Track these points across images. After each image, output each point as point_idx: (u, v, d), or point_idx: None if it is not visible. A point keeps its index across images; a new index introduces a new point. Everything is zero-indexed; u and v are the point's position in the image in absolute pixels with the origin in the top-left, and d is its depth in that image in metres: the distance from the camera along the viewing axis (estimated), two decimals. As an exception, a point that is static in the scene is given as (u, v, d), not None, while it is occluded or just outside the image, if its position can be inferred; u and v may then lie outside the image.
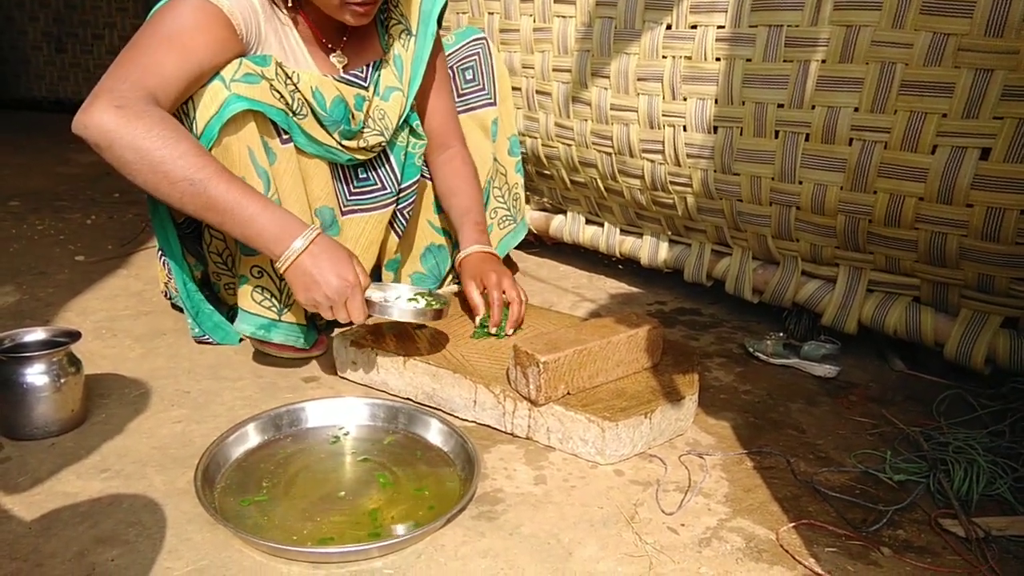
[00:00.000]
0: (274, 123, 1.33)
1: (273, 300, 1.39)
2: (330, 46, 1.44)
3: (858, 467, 1.20)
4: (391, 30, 1.51)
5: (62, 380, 1.19)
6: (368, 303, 1.26)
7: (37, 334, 1.27)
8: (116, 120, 1.14)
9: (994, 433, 1.27)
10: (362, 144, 1.45)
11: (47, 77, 4.80)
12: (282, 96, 1.31)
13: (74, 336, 1.25)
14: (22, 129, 4.27)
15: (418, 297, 1.37)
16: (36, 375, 1.17)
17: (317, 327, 1.55)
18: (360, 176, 1.51)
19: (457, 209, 1.60)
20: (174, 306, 1.68)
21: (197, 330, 1.52)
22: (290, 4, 1.35)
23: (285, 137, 1.35)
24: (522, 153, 2.05)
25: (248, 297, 1.38)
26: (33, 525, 0.99)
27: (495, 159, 1.79)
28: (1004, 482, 1.13)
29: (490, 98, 1.75)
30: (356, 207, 1.51)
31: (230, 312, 1.60)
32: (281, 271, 1.23)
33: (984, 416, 1.35)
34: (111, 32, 4.61)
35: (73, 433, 1.21)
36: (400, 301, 1.34)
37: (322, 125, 1.39)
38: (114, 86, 1.17)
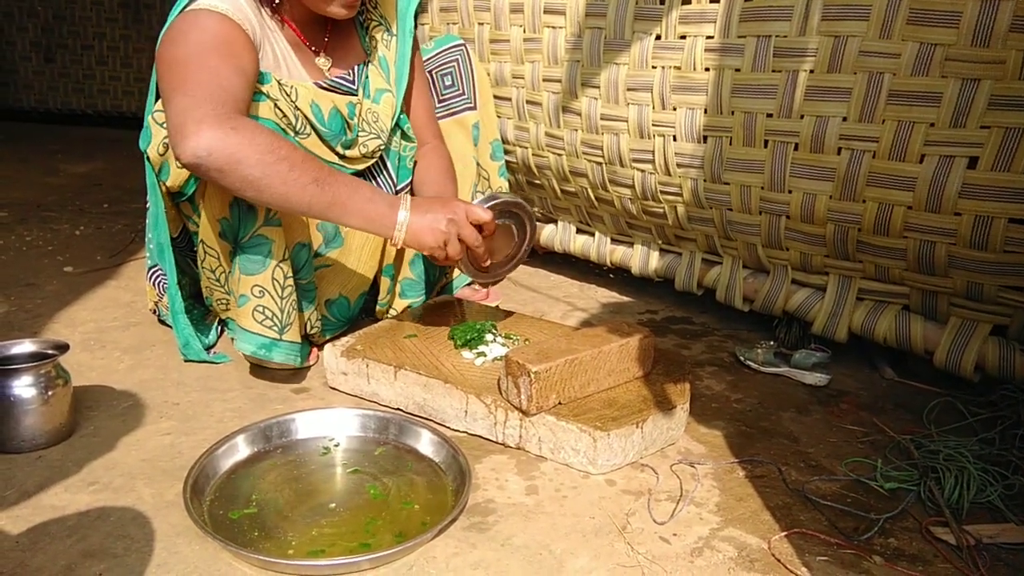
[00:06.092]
0: None
1: (275, 319, 1.36)
2: (313, 48, 1.44)
3: (849, 475, 1.20)
4: (372, 32, 1.51)
5: (50, 392, 1.18)
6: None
7: (25, 346, 1.26)
8: (237, 141, 1.13)
9: (984, 440, 1.28)
10: (362, 151, 1.45)
11: (35, 87, 4.78)
12: (284, 115, 1.31)
13: (62, 348, 1.24)
14: (9, 140, 4.25)
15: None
16: (24, 387, 1.17)
17: (311, 341, 1.54)
18: None
19: (427, 194, 1.59)
20: (162, 322, 1.67)
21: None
22: (276, 3, 1.35)
23: None
24: (512, 163, 2.05)
25: (249, 316, 1.35)
26: (20, 539, 0.98)
27: (478, 163, 1.79)
28: (994, 489, 1.14)
29: (470, 102, 1.76)
30: None
31: (218, 324, 1.62)
32: (399, 244, 1.29)
33: (974, 423, 1.35)
34: (100, 42, 4.60)
35: (61, 446, 1.20)
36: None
37: (323, 141, 1.38)
38: (207, 109, 1.14)
